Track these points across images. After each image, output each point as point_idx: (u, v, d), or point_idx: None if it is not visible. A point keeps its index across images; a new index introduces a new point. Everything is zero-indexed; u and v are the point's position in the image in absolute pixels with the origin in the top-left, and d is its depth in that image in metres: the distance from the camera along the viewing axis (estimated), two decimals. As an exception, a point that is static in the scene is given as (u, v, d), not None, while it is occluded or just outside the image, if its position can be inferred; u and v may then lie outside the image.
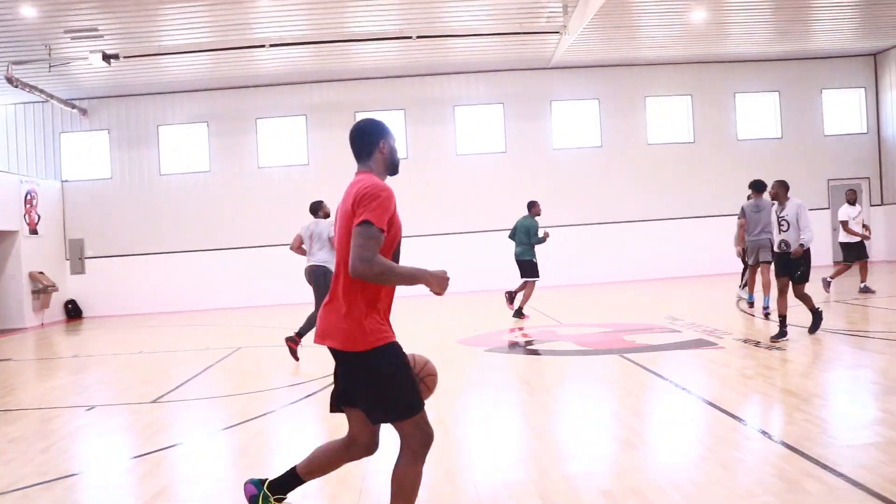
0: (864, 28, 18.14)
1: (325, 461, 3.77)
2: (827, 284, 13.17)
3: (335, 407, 3.64)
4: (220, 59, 16.91)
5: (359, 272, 3.19)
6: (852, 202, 13.39)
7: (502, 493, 4.35)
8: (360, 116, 19.31)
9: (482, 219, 19.40)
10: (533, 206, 12.57)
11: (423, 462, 3.41)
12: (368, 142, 3.56)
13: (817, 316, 9.18)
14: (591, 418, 5.99)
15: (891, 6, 16.36)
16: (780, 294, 9.10)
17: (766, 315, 10.83)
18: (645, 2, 14.83)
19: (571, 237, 19.35)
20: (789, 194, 9.20)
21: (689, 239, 19.73)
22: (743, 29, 17.31)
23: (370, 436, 3.62)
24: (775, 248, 9.29)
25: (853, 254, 13.21)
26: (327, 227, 9.62)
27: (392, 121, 19.59)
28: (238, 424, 6.36)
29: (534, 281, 12.49)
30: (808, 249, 8.98)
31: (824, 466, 4.43)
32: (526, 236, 12.38)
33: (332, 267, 9.77)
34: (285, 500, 3.86)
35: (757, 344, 8.84)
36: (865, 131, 21.06)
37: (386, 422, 3.41)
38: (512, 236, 12.68)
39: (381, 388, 3.33)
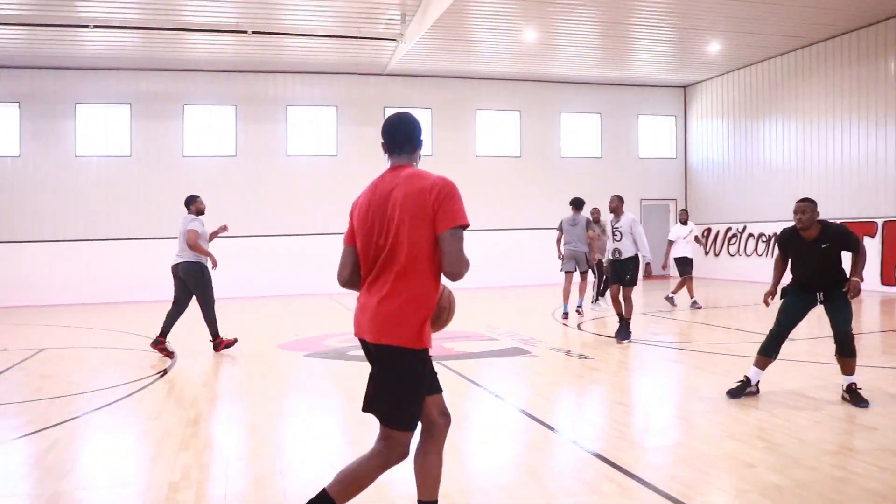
0: (676, 63, 19.55)
1: (360, 478, 3.45)
2: (671, 300, 14.18)
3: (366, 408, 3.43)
4: (37, 34, 15.73)
5: (461, 274, 3.18)
6: (683, 222, 14.44)
7: (312, 500, 4.30)
8: (188, 109, 18.63)
9: (314, 221, 19.19)
10: None
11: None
12: (416, 137, 3.49)
13: (626, 327, 9.94)
14: (407, 424, 6.04)
15: (699, 45, 17.76)
16: (613, 299, 10.15)
17: (565, 315, 12.21)
18: (480, 17, 15.22)
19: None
20: (624, 208, 10.39)
21: (513, 250, 20.40)
22: (570, 52, 18.15)
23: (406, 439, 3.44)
24: (610, 255, 10.26)
25: (687, 268, 14.13)
26: (187, 221, 9.54)
27: (221, 117, 19.01)
28: (34, 433, 5.93)
29: None
30: (636, 256, 10.02)
31: (621, 469, 4.70)
32: None
33: (202, 259, 9.40)
34: None
35: (568, 353, 9.25)
36: (675, 156, 22.68)
37: (392, 425, 3.32)
38: None
39: (402, 390, 3.30)
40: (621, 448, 5.27)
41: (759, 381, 6.68)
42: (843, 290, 6.23)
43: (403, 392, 3.27)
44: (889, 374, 7.54)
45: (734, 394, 6.61)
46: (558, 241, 12.82)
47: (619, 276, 10.14)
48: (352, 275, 3.46)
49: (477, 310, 14.51)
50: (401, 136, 3.46)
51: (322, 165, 19.57)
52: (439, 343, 10.26)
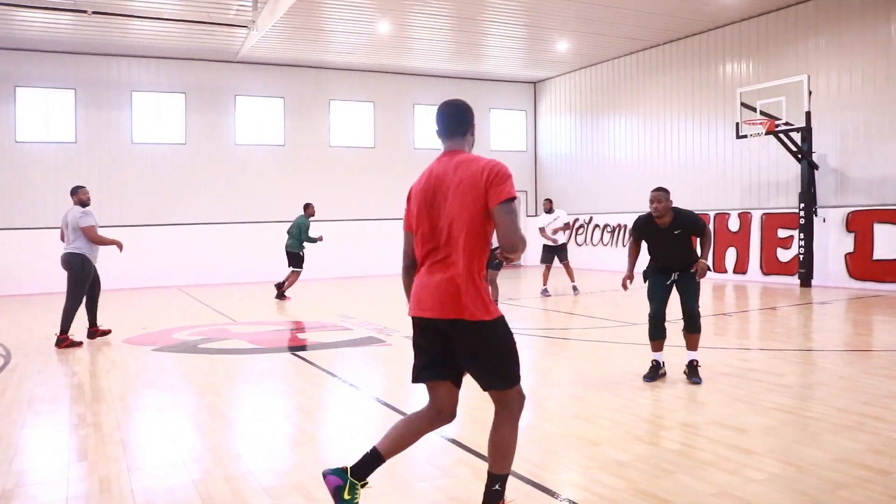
0: (526, 59, 20.10)
1: (408, 435, 3.68)
2: (545, 291, 14.65)
3: (425, 377, 3.62)
4: None
5: (516, 245, 3.30)
6: (549, 211, 14.98)
7: (161, 497, 4.15)
8: (20, 91, 17.41)
9: (158, 212, 18.42)
10: (307, 208, 14.82)
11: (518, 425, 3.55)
12: (466, 121, 3.64)
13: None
14: (260, 417, 5.94)
15: (549, 43, 18.34)
16: (490, 282, 10.79)
17: None
18: (334, 7, 15.05)
19: (250, 235, 19.09)
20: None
21: (367, 240, 20.35)
22: (424, 45, 18.28)
23: (454, 405, 3.68)
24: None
25: (550, 256, 14.77)
26: (78, 215, 9.29)
27: (59, 100, 17.89)
28: None
29: (298, 271, 14.63)
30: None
31: (474, 453, 4.81)
32: (297, 231, 14.52)
33: (89, 254, 9.08)
34: (368, 484, 3.63)
35: (423, 341, 9.35)
36: (525, 149, 23.34)
37: (501, 388, 3.51)
38: (288, 230, 14.84)
39: (501, 355, 3.45)
40: (475, 432, 5.39)
41: (663, 362, 6.98)
42: (692, 270, 6.66)
43: (502, 355, 3.49)
44: (717, 353, 8.09)
45: (650, 377, 6.86)
46: None
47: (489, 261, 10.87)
48: (414, 259, 3.65)
49: (331, 299, 14.41)
50: (452, 122, 3.64)
51: (169, 154, 18.78)
52: (293, 334, 10.14)
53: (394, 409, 6.08)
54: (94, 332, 9.81)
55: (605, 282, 16.66)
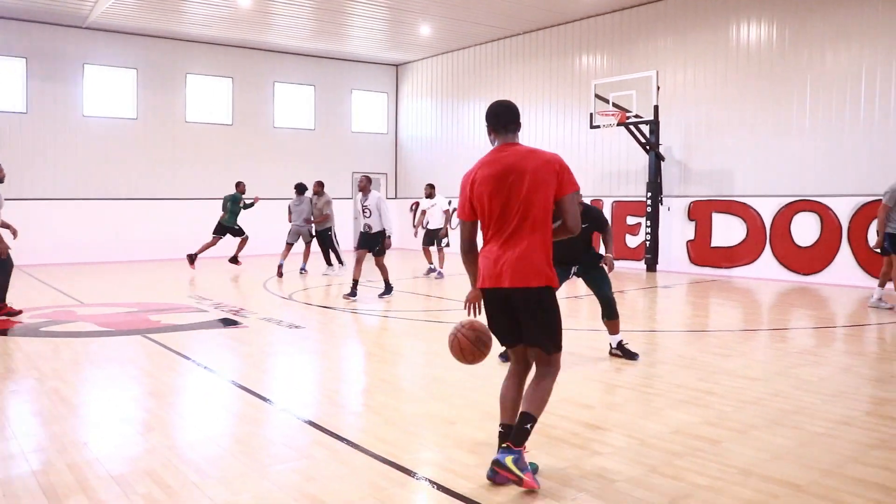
0: (389, 41, 20.05)
1: (518, 397, 4.09)
2: (431, 271, 15.12)
3: (509, 342, 4.13)
4: None
5: (576, 230, 3.99)
6: (429, 196, 15.17)
7: (-3, 487, 3.92)
8: None
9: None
10: (238, 185, 16.17)
11: None
12: (518, 118, 4.15)
13: (389, 286, 11.45)
14: (108, 402, 5.69)
15: (411, 27, 18.37)
16: (357, 263, 11.22)
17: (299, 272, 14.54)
18: (190, -23, 14.49)
19: (101, 212, 18.16)
20: (371, 187, 11.30)
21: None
22: (285, 22, 17.87)
23: (529, 358, 4.14)
24: (362, 230, 11.42)
25: (430, 239, 15.04)
26: None
27: None
28: None
29: (245, 237, 16.18)
30: (383, 230, 11.14)
31: (331, 434, 4.81)
32: (233, 205, 15.97)
33: None
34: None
35: (279, 322, 9.24)
36: (386, 132, 23.32)
37: (550, 351, 4.00)
38: (223, 207, 16.15)
39: (556, 322, 4.00)
40: (331, 414, 5.39)
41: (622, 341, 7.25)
42: (601, 264, 7.11)
43: (555, 322, 4.01)
44: (570, 335, 8.41)
45: (631, 356, 7.12)
46: (289, 213, 15.60)
47: (370, 246, 11.23)
48: (473, 243, 4.15)
49: (186, 280, 13.95)
50: (510, 116, 4.11)
51: (6, 124, 17.51)
52: (145, 315, 9.76)
53: (250, 391, 5.98)
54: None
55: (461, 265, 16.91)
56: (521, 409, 3.95)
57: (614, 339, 7.25)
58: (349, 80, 22.36)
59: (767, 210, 13.96)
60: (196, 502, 3.71)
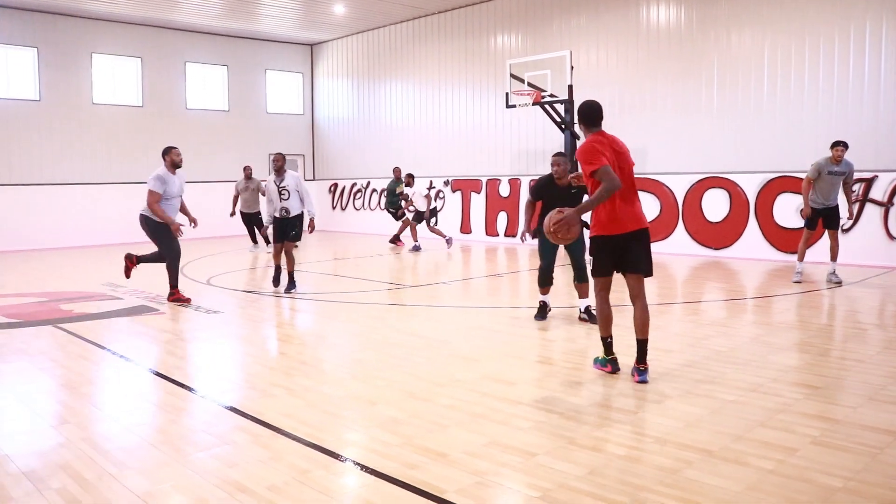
0: (303, 21, 19.73)
1: (612, 314, 5.87)
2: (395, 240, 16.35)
3: (610, 272, 5.70)
4: None
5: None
6: (409, 185, 16.24)
7: None
8: None
9: None
10: (395, 171, 16.84)
11: None
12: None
13: (293, 281, 10.33)
14: (18, 396, 5.49)
15: (325, 5, 18.13)
16: (276, 255, 10.58)
17: None
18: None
19: (2, 198, 17.40)
20: (287, 168, 10.37)
21: (132, 205, 19.14)
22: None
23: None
24: (277, 214, 10.24)
25: (420, 217, 15.97)
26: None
27: None
28: None
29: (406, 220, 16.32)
30: (301, 214, 10.31)
31: (253, 419, 4.77)
32: (390, 194, 16.71)
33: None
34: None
35: (197, 308, 9.07)
36: (302, 113, 23.00)
37: (649, 275, 5.64)
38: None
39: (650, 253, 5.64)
40: (252, 398, 5.34)
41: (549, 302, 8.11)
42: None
43: (651, 254, 5.65)
44: (489, 312, 8.52)
45: (539, 317, 7.93)
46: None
47: (285, 232, 10.24)
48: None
49: (99, 268, 13.53)
50: (598, 115, 5.65)
51: None
52: (56, 305, 9.44)
53: (168, 378, 5.86)
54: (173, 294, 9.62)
55: (383, 246, 16.91)
56: (639, 337, 5.55)
57: (582, 304, 7.86)
58: (263, 59, 21.94)
59: (679, 187, 14.36)
60: (115, 494, 3.64)
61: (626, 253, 5.51)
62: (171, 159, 9.38)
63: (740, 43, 13.44)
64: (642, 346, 5.54)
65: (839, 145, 10.14)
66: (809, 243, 10.73)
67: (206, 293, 10.46)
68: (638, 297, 5.61)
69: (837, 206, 10.39)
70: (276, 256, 10.62)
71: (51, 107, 18.17)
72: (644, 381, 5.44)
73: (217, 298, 9.98)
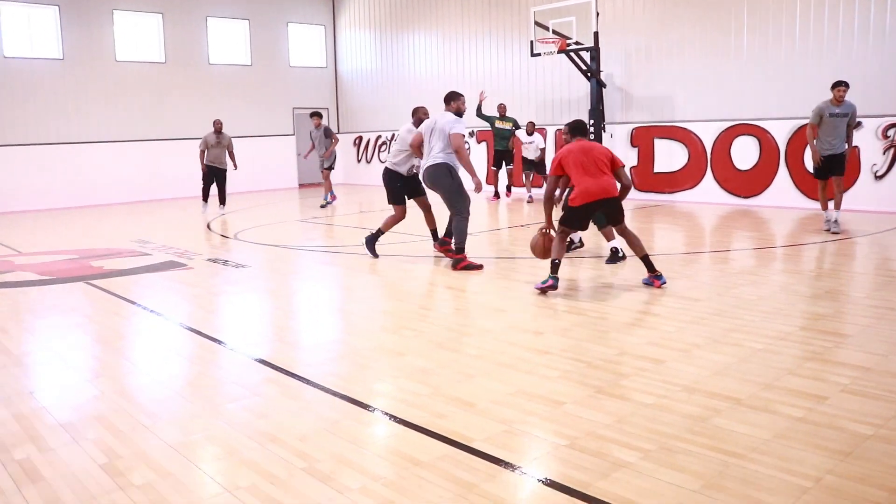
0: (324, -31, 19.50)
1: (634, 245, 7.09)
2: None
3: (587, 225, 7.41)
4: None
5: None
6: (530, 133, 15.75)
7: (-58, 440, 3.87)
8: None
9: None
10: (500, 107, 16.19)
11: None
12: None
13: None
14: (52, 351, 5.59)
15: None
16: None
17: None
18: None
19: (29, 158, 17.57)
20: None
21: (157, 162, 19.30)
22: (214, -48, 17.24)
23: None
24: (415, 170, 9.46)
25: (529, 169, 16.02)
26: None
27: None
28: None
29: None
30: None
31: (282, 370, 4.83)
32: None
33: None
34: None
35: (226, 263, 9.15)
36: (325, 66, 22.85)
37: (623, 223, 7.06)
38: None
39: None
40: (282, 351, 5.41)
41: (580, 239, 9.23)
42: None
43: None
44: (515, 263, 8.51)
45: (610, 260, 8.34)
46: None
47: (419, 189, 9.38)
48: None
49: (127, 225, 13.68)
50: (584, 130, 7.31)
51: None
52: (87, 262, 9.57)
53: (198, 332, 5.95)
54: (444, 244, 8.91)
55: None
56: (641, 254, 6.98)
57: (610, 245, 8.41)
58: (285, 12, 21.75)
59: (708, 135, 14.14)
60: (148, 444, 3.72)
61: (595, 212, 7.12)
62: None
63: (771, -16, 13.09)
64: (647, 259, 6.99)
65: (840, 85, 9.76)
66: (828, 191, 10.29)
67: (233, 248, 10.55)
68: (624, 230, 7.05)
69: (844, 152, 9.96)
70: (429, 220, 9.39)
71: (74, 65, 18.20)
72: (664, 282, 6.94)
73: (245, 253, 10.06)
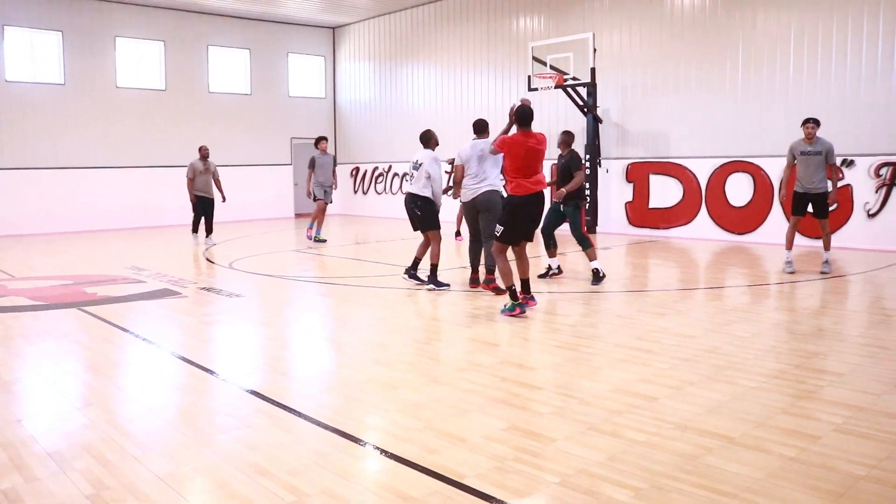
0: (325, 3, 19.69)
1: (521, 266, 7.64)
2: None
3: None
4: None
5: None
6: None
7: (-72, 467, 3.82)
8: None
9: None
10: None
11: None
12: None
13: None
14: (43, 377, 5.55)
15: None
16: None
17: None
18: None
19: (27, 181, 17.59)
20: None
21: (155, 189, 19.32)
22: (216, -17, 17.42)
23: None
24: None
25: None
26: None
27: None
28: None
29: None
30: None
31: (273, 402, 4.79)
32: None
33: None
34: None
35: (220, 292, 9.12)
36: (324, 96, 23.00)
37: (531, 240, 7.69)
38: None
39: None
40: (274, 381, 5.38)
41: (557, 266, 9.78)
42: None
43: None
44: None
45: (541, 276, 9.50)
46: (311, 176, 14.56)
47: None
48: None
49: (122, 251, 13.65)
50: (530, 119, 7.64)
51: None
52: (80, 288, 9.54)
53: (190, 361, 5.91)
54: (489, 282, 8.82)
55: (404, 230, 16.86)
56: (521, 277, 7.54)
57: (591, 265, 9.26)
58: (285, 43, 21.94)
59: (703, 171, 14.23)
60: (136, 475, 3.68)
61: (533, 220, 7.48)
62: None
63: (766, 23, 13.24)
64: (526, 283, 7.60)
65: (808, 122, 9.62)
66: (798, 229, 10.15)
67: (228, 277, 10.53)
68: (521, 253, 7.61)
69: (825, 192, 9.70)
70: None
71: (75, 90, 18.29)
72: (535, 301, 7.74)
73: (239, 282, 10.04)
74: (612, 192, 15.67)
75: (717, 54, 13.89)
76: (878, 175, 11.93)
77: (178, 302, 8.56)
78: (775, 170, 13.11)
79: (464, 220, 9.98)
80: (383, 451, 3.95)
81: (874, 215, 12.02)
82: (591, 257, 9.25)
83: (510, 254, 7.61)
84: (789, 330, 6.69)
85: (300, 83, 22.50)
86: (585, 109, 15.21)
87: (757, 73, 13.39)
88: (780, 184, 10.03)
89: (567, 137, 9.72)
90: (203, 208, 14.74)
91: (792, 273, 9.83)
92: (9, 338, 6.86)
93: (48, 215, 17.83)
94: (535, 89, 15.42)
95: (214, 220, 15.05)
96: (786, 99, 13.03)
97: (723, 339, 6.33)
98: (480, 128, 8.96)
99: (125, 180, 18.90)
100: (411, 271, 9.22)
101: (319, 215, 14.72)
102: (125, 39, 19.06)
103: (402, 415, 4.52)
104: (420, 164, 9.05)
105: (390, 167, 21.21)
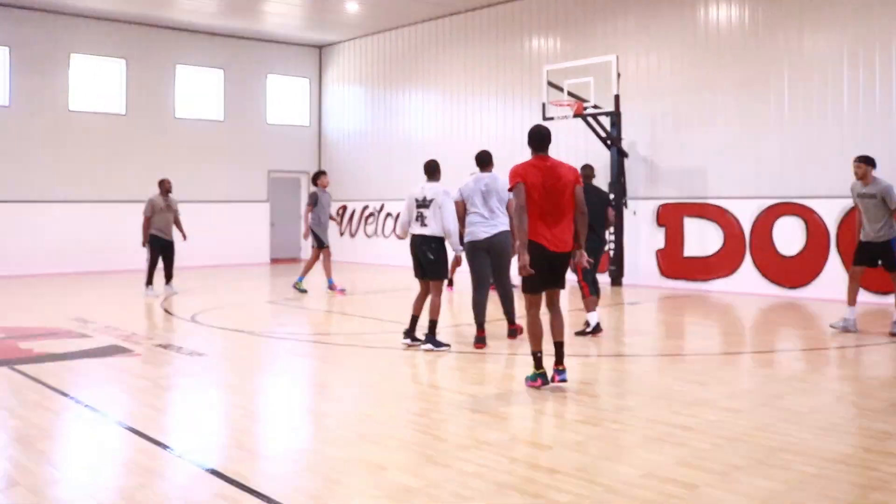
0: (310, 19, 19.92)
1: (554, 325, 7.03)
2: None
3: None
4: None
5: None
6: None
7: None
8: None
9: None
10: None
11: None
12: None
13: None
14: (-37, 450, 5.39)
15: (336, 3, 18.28)
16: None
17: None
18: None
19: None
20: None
21: (110, 227, 19.14)
22: (187, -7, 17.58)
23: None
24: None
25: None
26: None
27: None
28: None
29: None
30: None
31: (237, 484, 4.62)
32: None
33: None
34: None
35: (179, 349, 8.99)
36: (308, 124, 23.09)
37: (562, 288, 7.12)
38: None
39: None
40: (239, 459, 5.21)
41: (597, 323, 9.54)
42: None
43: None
44: (520, 360, 8.34)
45: (581, 334, 9.42)
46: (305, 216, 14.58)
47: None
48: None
49: (65, 300, 13.53)
50: (544, 140, 7.71)
51: None
52: (14, 342, 9.40)
53: (140, 433, 5.74)
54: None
55: (398, 279, 16.78)
56: (556, 339, 6.84)
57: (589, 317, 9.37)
58: (264, 62, 22.09)
59: (746, 214, 14.17)
60: (66, 577, 3.49)
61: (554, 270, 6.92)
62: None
63: (814, 42, 13.30)
64: (560, 348, 6.86)
65: (854, 161, 9.66)
66: (859, 280, 9.91)
67: (189, 331, 10.39)
68: (555, 307, 6.99)
69: (889, 240, 9.59)
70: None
71: (22, 113, 18.35)
72: (564, 380, 6.81)
73: (202, 338, 9.90)
74: (641, 238, 15.58)
75: (760, 79, 13.92)
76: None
77: (129, 361, 8.42)
78: (830, 214, 13.04)
79: (457, 266, 10.01)
80: (368, 550, 3.76)
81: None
82: (589, 307, 9.49)
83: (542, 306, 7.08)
84: (856, 404, 6.55)
85: (280, 109, 22.62)
86: (609, 142, 15.21)
87: (806, 101, 13.40)
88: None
89: (587, 171, 9.63)
90: (162, 251, 14.33)
91: (848, 332, 9.64)
92: (-74, 402, 6.70)
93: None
94: (551, 118, 15.42)
95: (175, 264, 14.81)
96: (840, 130, 13.00)
97: (775, 414, 6.17)
98: (484, 160, 9.05)
99: (74, 216, 18.82)
100: (412, 333, 8.97)
101: (328, 263, 14.64)
102: (81, 56, 19.21)
103: (391, 502, 4.35)
104: (430, 201, 8.74)
105: (383, 206, 21.19)
